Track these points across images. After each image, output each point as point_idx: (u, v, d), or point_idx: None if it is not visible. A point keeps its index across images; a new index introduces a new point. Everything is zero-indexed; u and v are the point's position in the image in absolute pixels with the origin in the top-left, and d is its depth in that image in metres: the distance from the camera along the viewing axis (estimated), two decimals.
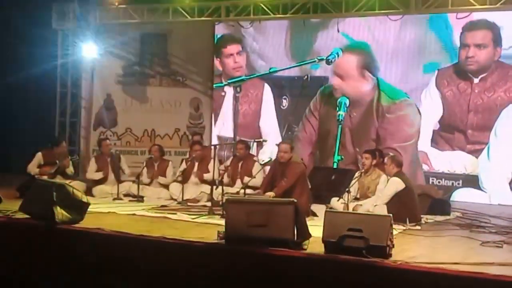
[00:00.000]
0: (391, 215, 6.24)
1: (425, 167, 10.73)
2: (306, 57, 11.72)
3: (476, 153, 10.38)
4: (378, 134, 10.91)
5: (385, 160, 8.44)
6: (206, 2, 11.00)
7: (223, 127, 12.49)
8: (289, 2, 10.41)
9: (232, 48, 12.37)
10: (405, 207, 7.81)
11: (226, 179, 9.56)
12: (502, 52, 10.19)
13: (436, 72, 10.70)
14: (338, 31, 11.09)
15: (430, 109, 10.73)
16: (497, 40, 10.21)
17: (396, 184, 7.96)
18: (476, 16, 10.20)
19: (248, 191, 8.60)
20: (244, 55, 12.35)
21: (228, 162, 10.08)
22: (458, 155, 10.52)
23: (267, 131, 12.11)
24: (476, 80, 10.40)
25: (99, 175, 9.93)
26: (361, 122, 11.10)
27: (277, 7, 10.50)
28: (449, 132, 10.62)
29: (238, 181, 9.50)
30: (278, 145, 8.94)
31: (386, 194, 7.99)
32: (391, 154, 8.53)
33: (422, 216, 8.20)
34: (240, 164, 9.67)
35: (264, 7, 10.53)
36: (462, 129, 10.48)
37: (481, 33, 10.33)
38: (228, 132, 12.39)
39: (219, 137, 12.49)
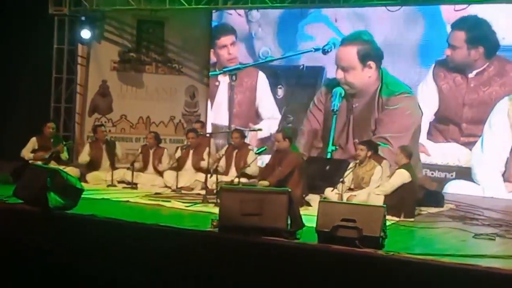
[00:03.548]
0: (384, 205, 6.27)
1: (422, 159, 10.71)
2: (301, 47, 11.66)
3: (470, 145, 10.35)
4: (376, 126, 10.89)
5: (396, 149, 8.39)
6: None
7: (218, 116, 12.44)
8: None
9: (226, 40, 12.24)
10: (403, 202, 7.77)
11: (220, 168, 9.55)
12: (501, 46, 10.09)
13: (433, 65, 10.67)
14: (336, 21, 11.04)
15: (426, 101, 10.69)
16: (473, 41, 10.11)
17: (404, 177, 7.88)
18: (474, 9, 10.15)
19: (243, 179, 8.62)
20: (238, 46, 12.24)
21: (223, 151, 10.08)
22: (452, 147, 10.50)
23: (263, 120, 12.06)
24: (471, 75, 10.36)
25: (86, 158, 9.88)
26: (362, 113, 11.02)
27: None
28: (443, 124, 10.61)
29: (233, 170, 9.49)
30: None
31: (391, 184, 7.92)
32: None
33: (415, 207, 8.21)
34: (235, 153, 9.67)
35: None
36: (457, 122, 10.47)
37: (459, 34, 10.23)
38: (223, 121, 12.35)
39: (213, 125, 12.44)
